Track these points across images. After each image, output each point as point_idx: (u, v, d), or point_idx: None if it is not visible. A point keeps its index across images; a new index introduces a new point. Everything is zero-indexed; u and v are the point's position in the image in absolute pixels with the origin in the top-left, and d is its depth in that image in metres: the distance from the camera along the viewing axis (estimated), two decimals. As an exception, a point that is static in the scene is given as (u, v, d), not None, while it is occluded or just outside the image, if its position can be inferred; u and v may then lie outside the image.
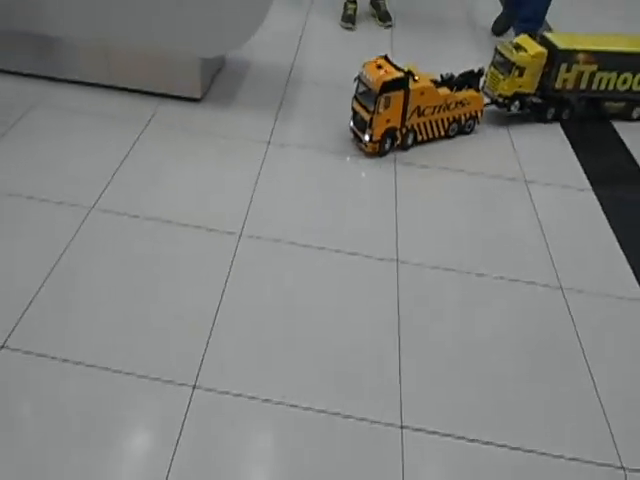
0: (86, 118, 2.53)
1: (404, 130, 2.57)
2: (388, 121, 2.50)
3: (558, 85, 2.82)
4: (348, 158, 2.55)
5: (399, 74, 2.43)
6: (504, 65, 2.73)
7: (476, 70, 2.72)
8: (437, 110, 2.60)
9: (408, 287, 1.93)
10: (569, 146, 2.78)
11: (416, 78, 2.50)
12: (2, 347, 1.61)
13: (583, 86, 2.85)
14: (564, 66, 2.77)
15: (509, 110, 2.82)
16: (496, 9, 3.82)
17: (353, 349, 1.71)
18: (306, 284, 1.91)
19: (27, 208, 2.06)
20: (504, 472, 1.45)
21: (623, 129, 2.94)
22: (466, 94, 2.66)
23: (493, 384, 1.65)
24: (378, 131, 2.50)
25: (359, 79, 2.50)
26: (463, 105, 2.66)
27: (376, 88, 2.41)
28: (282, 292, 1.87)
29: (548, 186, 2.50)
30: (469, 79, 2.69)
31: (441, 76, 2.65)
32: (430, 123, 2.63)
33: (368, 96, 2.47)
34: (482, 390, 1.63)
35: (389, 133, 2.53)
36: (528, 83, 2.77)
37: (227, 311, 1.78)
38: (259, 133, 2.59)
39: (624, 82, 2.88)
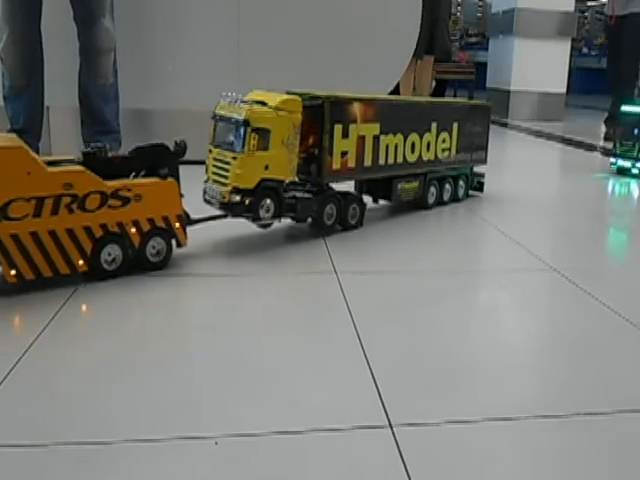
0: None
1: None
2: None
3: (336, 164, 1.44)
4: None
5: None
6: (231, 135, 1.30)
7: (172, 146, 1.25)
8: (51, 208, 1.05)
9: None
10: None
11: None
12: None
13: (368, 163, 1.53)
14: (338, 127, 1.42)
15: (258, 218, 1.35)
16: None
17: None
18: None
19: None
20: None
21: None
22: (135, 181, 1.19)
23: None
24: None
25: None
26: (127, 202, 1.14)
27: None
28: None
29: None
30: (152, 159, 1.22)
31: (83, 153, 1.16)
32: (35, 239, 1.05)
33: None
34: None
35: None
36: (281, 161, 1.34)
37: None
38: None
39: None
